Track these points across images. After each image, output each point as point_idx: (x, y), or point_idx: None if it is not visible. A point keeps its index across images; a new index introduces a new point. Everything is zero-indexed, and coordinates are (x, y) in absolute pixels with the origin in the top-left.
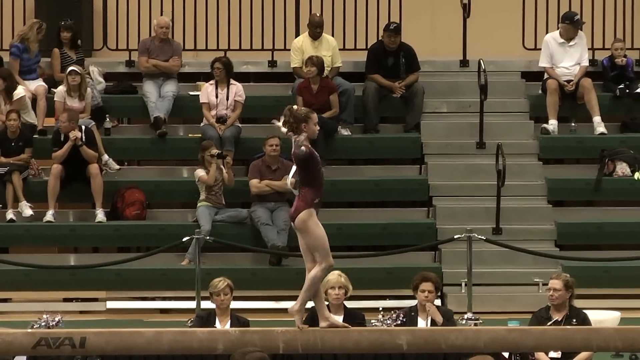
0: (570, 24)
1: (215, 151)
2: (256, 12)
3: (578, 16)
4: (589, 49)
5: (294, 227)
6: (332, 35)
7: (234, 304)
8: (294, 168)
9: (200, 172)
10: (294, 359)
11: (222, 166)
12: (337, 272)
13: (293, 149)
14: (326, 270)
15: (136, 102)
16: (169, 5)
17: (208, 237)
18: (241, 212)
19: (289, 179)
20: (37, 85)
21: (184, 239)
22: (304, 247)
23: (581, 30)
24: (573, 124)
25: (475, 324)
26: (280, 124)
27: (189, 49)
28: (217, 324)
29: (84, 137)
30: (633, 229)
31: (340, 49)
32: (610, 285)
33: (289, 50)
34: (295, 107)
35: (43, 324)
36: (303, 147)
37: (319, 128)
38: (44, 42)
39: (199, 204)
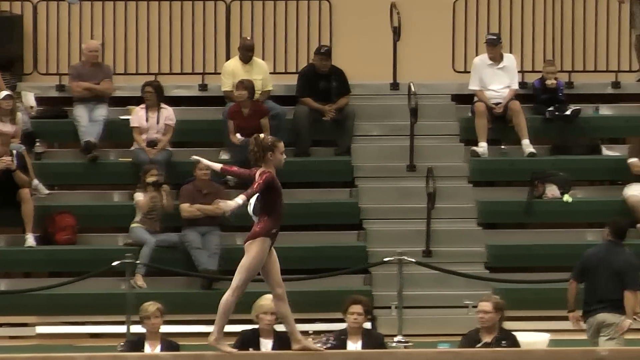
0: (488, 44)
1: (151, 179)
2: (187, 35)
3: (493, 37)
4: (519, 71)
5: (244, 247)
6: (263, 59)
7: (165, 328)
8: (256, 195)
9: (139, 196)
10: None
11: (162, 193)
12: (270, 297)
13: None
14: (237, 297)
15: (67, 127)
16: (99, 29)
17: (138, 262)
18: (172, 236)
19: (251, 204)
20: None
21: (115, 263)
22: (264, 275)
23: (507, 49)
24: (503, 147)
25: (406, 347)
26: (197, 158)
27: (119, 73)
28: (147, 348)
29: (16, 162)
30: (563, 251)
31: (271, 73)
32: (540, 307)
33: (220, 73)
34: (262, 135)
35: None
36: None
37: (284, 157)
38: None
39: (133, 225)
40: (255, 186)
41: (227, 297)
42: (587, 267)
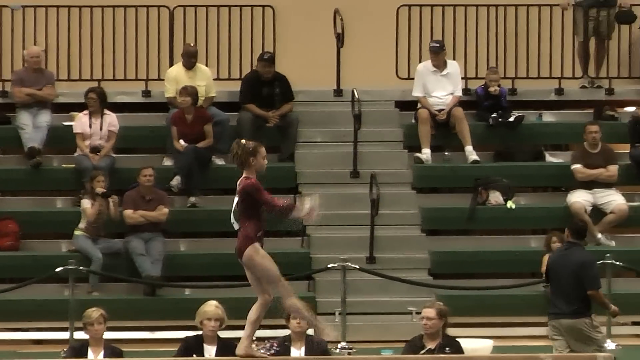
0: (432, 51)
1: (100, 190)
2: (130, 41)
3: (437, 44)
4: (463, 78)
5: (242, 263)
6: (207, 65)
7: (108, 334)
8: (235, 200)
9: (86, 203)
10: None
11: (109, 203)
12: (214, 303)
13: (239, 182)
14: (293, 295)
15: (10, 133)
16: (43, 35)
17: (81, 268)
18: (116, 243)
19: (232, 211)
20: None
21: (58, 269)
22: (251, 280)
23: (450, 56)
24: (447, 153)
25: (349, 353)
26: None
27: (62, 79)
28: (90, 355)
29: None
30: (506, 258)
31: (214, 79)
32: (484, 314)
33: (163, 80)
34: (243, 140)
35: None
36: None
37: (266, 162)
38: None
39: (76, 232)
40: (273, 203)
41: (285, 304)
42: (551, 270)
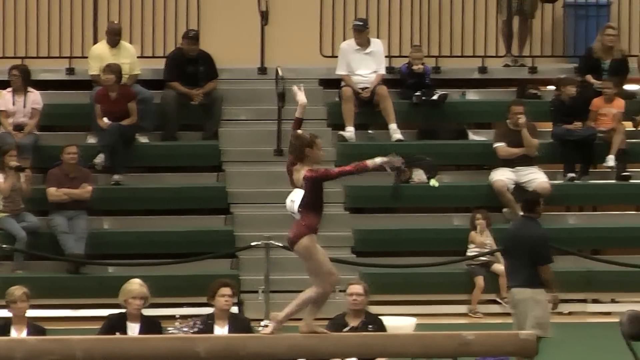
0: (356, 29)
1: (13, 164)
2: (54, 19)
3: (360, 22)
4: (387, 56)
5: (295, 252)
6: (131, 43)
7: (32, 312)
8: (297, 191)
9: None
10: None
11: (21, 177)
12: (138, 281)
13: (304, 172)
14: (325, 294)
15: None
16: None
17: (5, 246)
18: (36, 220)
19: (290, 201)
20: None
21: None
22: (309, 271)
23: (374, 35)
24: (371, 131)
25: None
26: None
27: None
28: (13, 333)
29: None
30: (430, 236)
31: (139, 57)
32: (407, 292)
33: (87, 57)
34: (299, 131)
35: None
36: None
37: (323, 154)
38: None
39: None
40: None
41: (310, 293)
42: (505, 243)
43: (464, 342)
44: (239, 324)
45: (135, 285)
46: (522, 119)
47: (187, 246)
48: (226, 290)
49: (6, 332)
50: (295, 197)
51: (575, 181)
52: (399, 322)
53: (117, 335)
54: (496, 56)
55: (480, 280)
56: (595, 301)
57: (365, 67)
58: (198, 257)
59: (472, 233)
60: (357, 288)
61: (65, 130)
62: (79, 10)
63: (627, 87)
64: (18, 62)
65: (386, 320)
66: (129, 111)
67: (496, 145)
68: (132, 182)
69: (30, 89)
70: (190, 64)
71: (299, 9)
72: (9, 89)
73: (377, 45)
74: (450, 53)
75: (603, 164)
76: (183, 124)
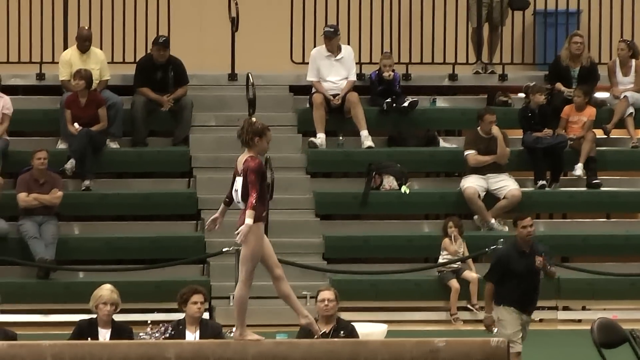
0: (326, 36)
1: None
2: (24, 24)
3: (331, 29)
4: (357, 63)
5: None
6: (101, 49)
7: (2, 317)
8: (238, 180)
9: None
10: None
11: None
12: (109, 287)
13: (241, 160)
14: (248, 288)
15: None
16: None
17: None
18: (4, 225)
19: (234, 191)
20: None
21: None
22: (261, 259)
23: (344, 41)
24: (341, 138)
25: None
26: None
27: None
28: None
29: None
30: (399, 243)
31: (108, 62)
32: (378, 298)
33: (58, 63)
34: (254, 119)
35: None
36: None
37: (269, 147)
38: None
39: None
40: (252, 192)
41: (238, 292)
42: None
43: (435, 348)
44: (210, 329)
45: (106, 291)
46: (495, 129)
47: (157, 252)
48: (198, 297)
49: None
50: (238, 186)
51: (546, 189)
52: (370, 329)
53: (88, 340)
54: (466, 63)
55: (454, 283)
56: (565, 309)
57: (335, 73)
58: (168, 263)
59: (446, 240)
60: (327, 294)
61: (35, 136)
62: (49, 15)
63: (598, 94)
64: None
65: (357, 327)
66: (98, 117)
67: (467, 153)
68: (102, 188)
69: (0, 94)
70: (160, 70)
71: (269, 16)
72: None
73: (347, 51)
74: (421, 60)
75: (572, 172)
76: (153, 129)
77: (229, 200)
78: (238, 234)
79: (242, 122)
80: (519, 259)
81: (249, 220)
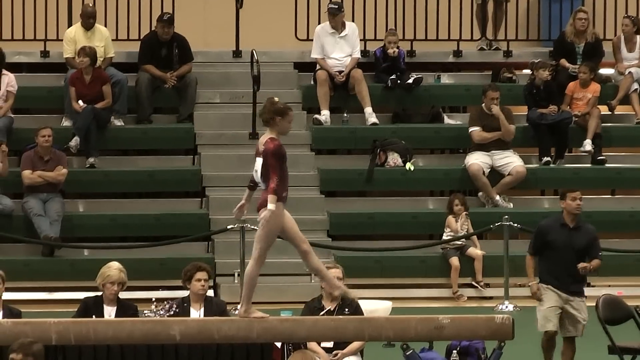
0: (330, 13)
1: None
2: (28, 1)
3: (335, 6)
4: (361, 40)
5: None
6: (105, 26)
7: (6, 295)
8: (258, 161)
9: None
10: (67, 350)
11: None
12: (118, 266)
13: (262, 141)
14: (260, 266)
15: None
16: None
17: None
18: (9, 203)
19: (254, 171)
20: None
21: None
22: (286, 235)
23: (349, 18)
24: (345, 115)
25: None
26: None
27: None
28: None
29: None
30: (404, 219)
31: (113, 40)
32: (382, 275)
33: (62, 40)
34: (276, 99)
35: None
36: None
37: (291, 127)
38: None
39: None
40: (273, 176)
41: (250, 268)
42: None
43: (439, 325)
44: (215, 307)
45: (115, 270)
46: (495, 108)
47: (162, 229)
48: (202, 275)
49: None
50: (258, 167)
51: (551, 165)
52: (375, 306)
53: (93, 318)
54: (471, 40)
55: (455, 261)
56: None
57: (340, 50)
58: (173, 240)
59: (450, 218)
60: (334, 272)
61: (39, 113)
62: None
63: (602, 71)
64: None
65: (362, 304)
66: (103, 94)
67: (471, 129)
68: (107, 165)
69: (4, 71)
70: (165, 47)
71: None
72: None
73: (351, 28)
74: (425, 37)
75: (580, 148)
76: (157, 107)
77: (254, 185)
78: (261, 217)
79: (265, 102)
80: (560, 231)
81: (271, 206)
